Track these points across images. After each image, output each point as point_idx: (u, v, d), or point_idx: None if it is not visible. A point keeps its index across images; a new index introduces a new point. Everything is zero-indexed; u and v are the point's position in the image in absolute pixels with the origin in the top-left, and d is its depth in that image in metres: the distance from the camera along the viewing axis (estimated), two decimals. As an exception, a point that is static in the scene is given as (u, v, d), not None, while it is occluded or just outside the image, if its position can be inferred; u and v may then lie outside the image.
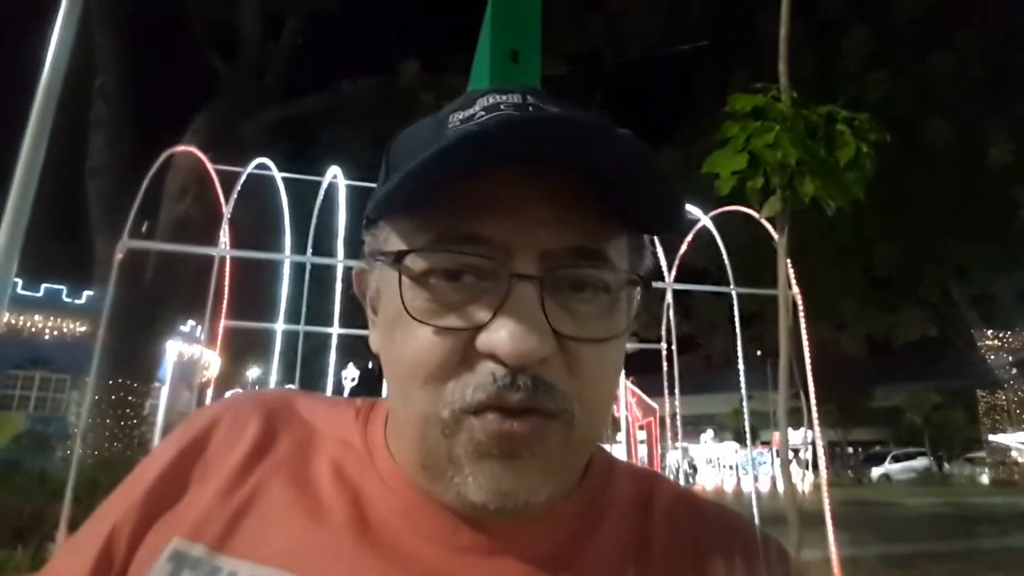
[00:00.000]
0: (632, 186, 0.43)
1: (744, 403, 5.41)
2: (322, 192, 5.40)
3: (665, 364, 5.92)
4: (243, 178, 4.93)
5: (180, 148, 5.62)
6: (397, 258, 0.44)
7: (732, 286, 5.13)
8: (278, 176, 5.06)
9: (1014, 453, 25.09)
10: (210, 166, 4.94)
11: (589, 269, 0.44)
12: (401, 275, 0.44)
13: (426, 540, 0.47)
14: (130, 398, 10.62)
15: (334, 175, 5.22)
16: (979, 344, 23.12)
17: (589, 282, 0.45)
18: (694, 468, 24.78)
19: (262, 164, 4.98)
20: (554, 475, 0.44)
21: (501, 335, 0.41)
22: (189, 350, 19.46)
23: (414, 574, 0.45)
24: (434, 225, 0.44)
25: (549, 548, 0.48)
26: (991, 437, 25.78)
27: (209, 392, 6.77)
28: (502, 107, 0.45)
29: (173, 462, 0.51)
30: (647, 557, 0.49)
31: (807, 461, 20.22)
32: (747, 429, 5.72)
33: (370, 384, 20.21)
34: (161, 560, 0.46)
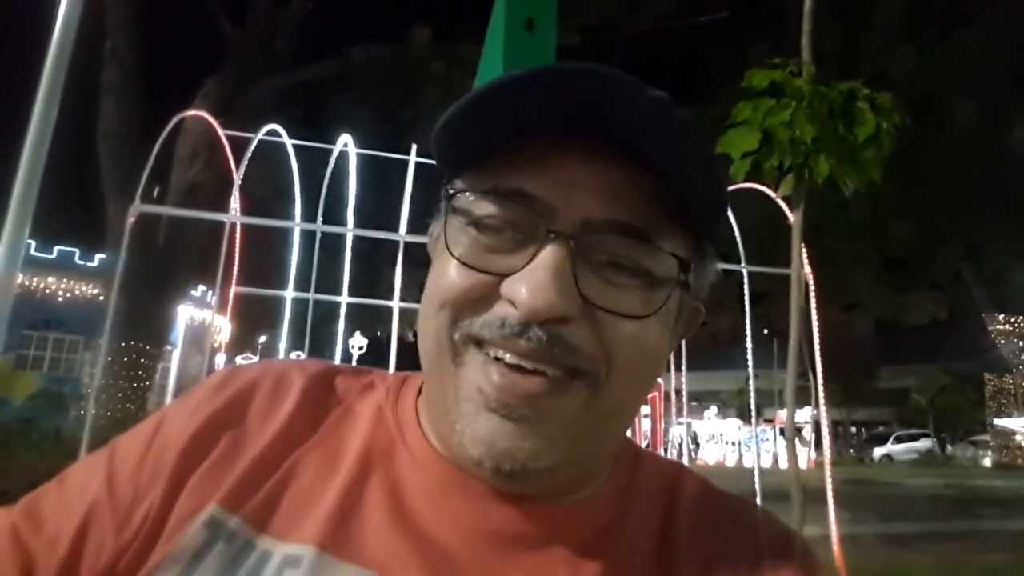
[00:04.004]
0: (683, 174, 0.43)
1: (751, 381, 5.42)
2: (333, 160, 5.37)
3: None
4: (254, 144, 4.91)
5: (191, 112, 5.59)
6: (448, 196, 0.47)
7: (743, 264, 5.10)
8: (288, 143, 5.03)
9: (1018, 437, 25.07)
10: (221, 131, 4.92)
11: (627, 240, 0.44)
12: (448, 213, 0.47)
13: (455, 524, 0.46)
14: (142, 360, 10.75)
15: (344, 143, 5.19)
16: (989, 328, 22.95)
17: (629, 265, 0.44)
18: (696, 443, 24.91)
19: (273, 131, 4.95)
20: (564, 444, 0.43)
21: (521, 285, 0.42)
22: (200, 315, 19.64)
23: (442, 558, 0.45)
24: (489, 178, 0.46)
25: (579, 536, 0.48)
26: (996, 421, 25.73)
27: (220, 357, 6.85)
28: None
29: (208, 420, 0.51)
30: (673, 547, 0.49)
31: (810, 440, 20.30)
32: (753, 407, 5.74)
33: (378, 353, 20.33)
34: (197, 524, 0.46)
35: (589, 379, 0.43)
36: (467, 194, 0.46)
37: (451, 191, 0.47)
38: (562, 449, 0.43)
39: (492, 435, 0.42)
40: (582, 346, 0.42)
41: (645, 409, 13.97)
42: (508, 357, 0.42)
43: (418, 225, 4.74)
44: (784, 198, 3.50)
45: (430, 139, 0.47)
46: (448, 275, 0.45)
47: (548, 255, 0.42)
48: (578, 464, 0.47)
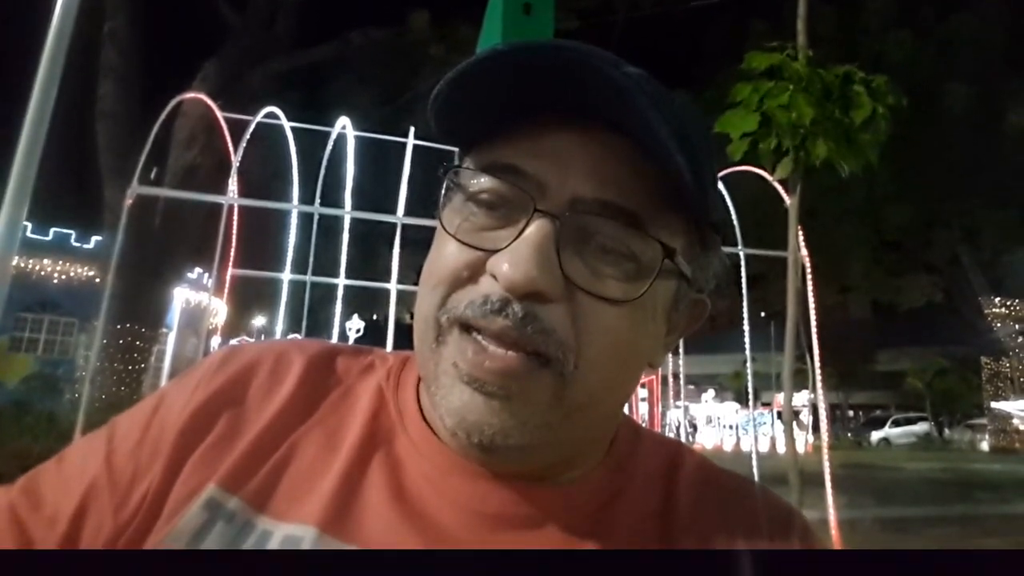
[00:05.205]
0: (661, 146, 0.42)
1: (748, 364, 5.45)
2: (331, 143, 5.35)
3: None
4: (252, 127, 4.89)
5: (189, 95, 5.57)
6: (445, 170, 0.48)
7: (740, 246, 5.10)
8: (287, 126, 5.01)
9: (1015, 420, 25.18)
10: (219, 114, 4.90)
11: (615, 222, 0.43)
12: (448, 188, 0.48)
13: (455, 507, 0.47)
14: (137, 343, 10.76)
15: (343, 126, 5.17)
16: (986, 311, 23.02)
17: (617, 248, 0.44)
18: (694, 427, 25.04)
19: (271, 113, 4.93)
20: (534, 427, 0.43)
21: (504, 259, 0.42)
22: (196, 297, 19.61)
23: (442, 540, 0.45)
24: (488, 153, 0.47)
25: (577, 516, 0.48)
26: (993, 404, 25.82)
27: (215, 339, 6.86)
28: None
29: (209, 400, 0.51)
30: (671, 524, 0.50)
31: (807, 424, 20.42)
32: (750, 390, 5.77)
33: (375, 335, 20.37)
34: (196, 506, 0.46)
35: (555, 368, 0.42)
36: (466, 169, 0.47)
37: (446, 165, 0.48)
38: (533, 432, 0.43)
39: (463, 407, 0.43)
40: (555, 329, 0.42)
41: (642, 392, 14.03)
42: (487, 335, 0.42)
43: (416, 207, 4.74)
44: (781, 181, 3.50)
45: (427, 115, 0.48)
46: (443, 253, 0.46)
47: (533, 231, 0.42)
48: (558, 448, 0.47)
